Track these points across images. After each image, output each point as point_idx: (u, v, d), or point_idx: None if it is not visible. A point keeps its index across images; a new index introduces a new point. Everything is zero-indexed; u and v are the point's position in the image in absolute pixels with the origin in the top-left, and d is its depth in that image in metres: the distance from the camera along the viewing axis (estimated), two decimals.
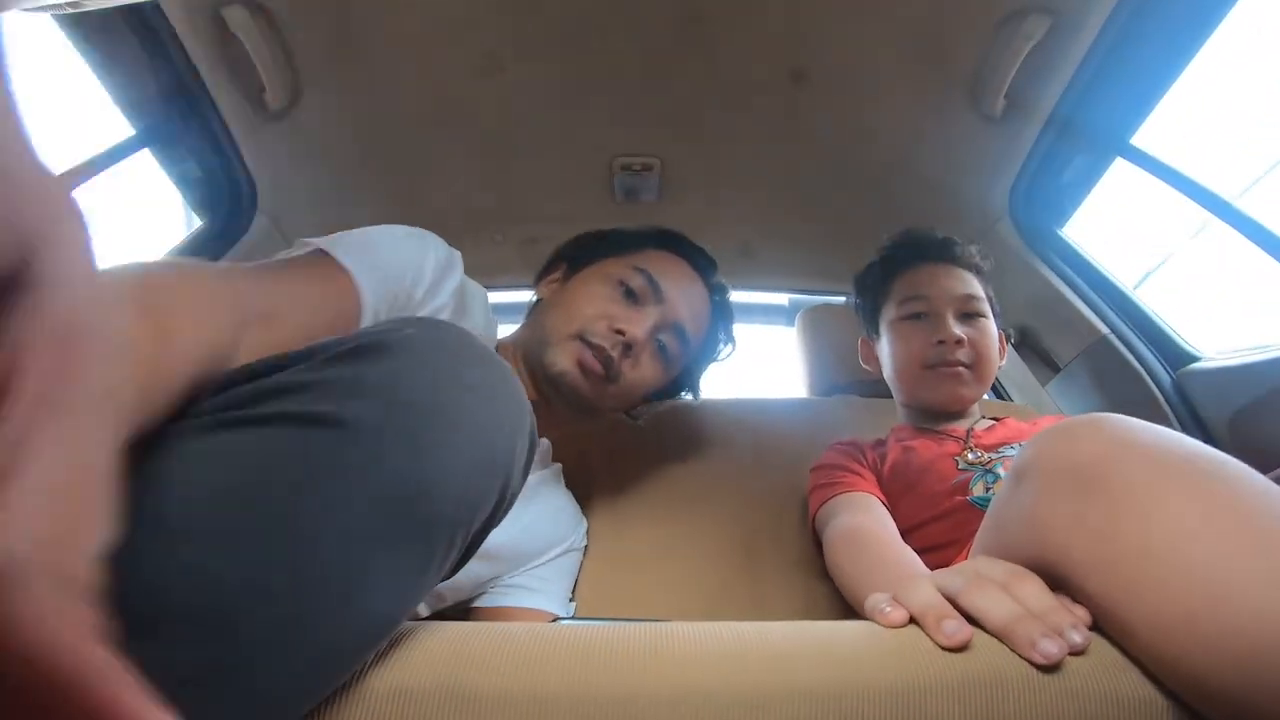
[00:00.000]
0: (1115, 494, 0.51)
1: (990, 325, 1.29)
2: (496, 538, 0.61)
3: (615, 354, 1.03)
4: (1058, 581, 0.56)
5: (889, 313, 1.33)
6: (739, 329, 1.31)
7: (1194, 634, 0.45)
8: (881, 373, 1.37)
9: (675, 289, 1.11)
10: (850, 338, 1.50)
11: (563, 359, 1.02)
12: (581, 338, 1.03)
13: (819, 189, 1.74)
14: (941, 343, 1.24)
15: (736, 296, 1.32)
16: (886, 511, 1.10)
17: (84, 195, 1.22)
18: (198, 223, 1.61)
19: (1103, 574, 0.51)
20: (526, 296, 1.43)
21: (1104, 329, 1.42)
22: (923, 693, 0.48)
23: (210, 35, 1.29)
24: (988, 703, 0.48)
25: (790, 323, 1.89)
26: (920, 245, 1.37)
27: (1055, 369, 1.59)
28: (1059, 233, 1.58)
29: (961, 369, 1.24)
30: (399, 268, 0.85)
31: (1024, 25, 1.27)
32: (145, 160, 1.44)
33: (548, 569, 1.10)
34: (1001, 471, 1.09)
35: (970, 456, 1.15)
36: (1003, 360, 1.35)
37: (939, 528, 1.07)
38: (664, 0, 1.30)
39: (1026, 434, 1.21)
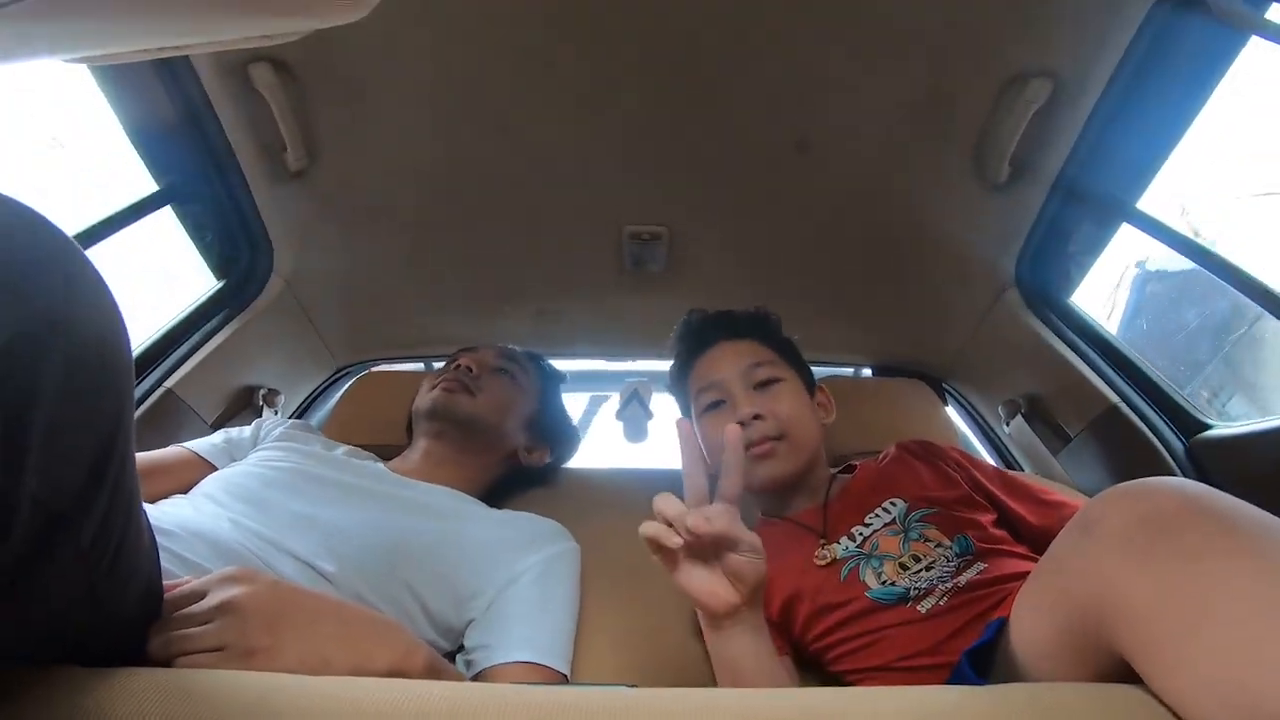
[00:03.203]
0: (1186, 551, 0.54)
1: (787, 387, 1.27)
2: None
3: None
4: (1109, 628, 0.57)
5: (695, 409, 1.32)
6: None
7: (1235, 703, 0.46)
8: None
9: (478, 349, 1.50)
10: (853, 409, 1.49)
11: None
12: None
13: (824, 259, 1.76)
14: (741, 424, 1.16)
15: None
16: None
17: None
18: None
19: (1160, 624, 0.53)
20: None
21: (1114, 398, 1.41)
22: None
23: (237, 93, 1.33)
24: None
25: None
26: (697, 333, 1.38)
27: (1066, 438, 1.57)
28: (1067, 301, 1.58)
29: (770, 443, 1.20)
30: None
31: (1026, 90, 1.30)
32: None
33: (495, 615, 1.05)
34: (880, 553, 1.06)
35: (839, 551, 1.09)
36: (829, 417, 1.35)
37: (847, 634, 1.01)
38: (671, 69, 1.33)
39: (883, 484, 1.18)
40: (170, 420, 1.43)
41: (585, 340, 2.07)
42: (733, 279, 1.81)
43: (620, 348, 2.12)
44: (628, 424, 1.91)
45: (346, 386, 1.88)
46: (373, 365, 2.08)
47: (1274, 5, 1.01)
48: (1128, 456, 1.37)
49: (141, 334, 1.45)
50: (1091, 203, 1.44)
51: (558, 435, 1.53)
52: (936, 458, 1.24)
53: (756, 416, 1.21)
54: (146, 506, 0.70)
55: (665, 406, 1.97)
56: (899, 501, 1.14)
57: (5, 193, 0.49)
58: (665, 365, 2.13)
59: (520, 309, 1.91)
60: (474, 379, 1.39)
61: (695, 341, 1.38)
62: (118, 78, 1.31)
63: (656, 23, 1.26)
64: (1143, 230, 1.33)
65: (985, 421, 1.91)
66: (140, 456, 1.13)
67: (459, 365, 1.42)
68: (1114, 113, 1.30)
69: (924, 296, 1.82)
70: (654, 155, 1.51)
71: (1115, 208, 1.40)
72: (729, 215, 1.67)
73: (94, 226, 1.27)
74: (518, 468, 1.44)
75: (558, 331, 1.98)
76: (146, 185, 1.42)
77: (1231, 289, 1.16)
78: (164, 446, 1.25)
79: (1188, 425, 1.30)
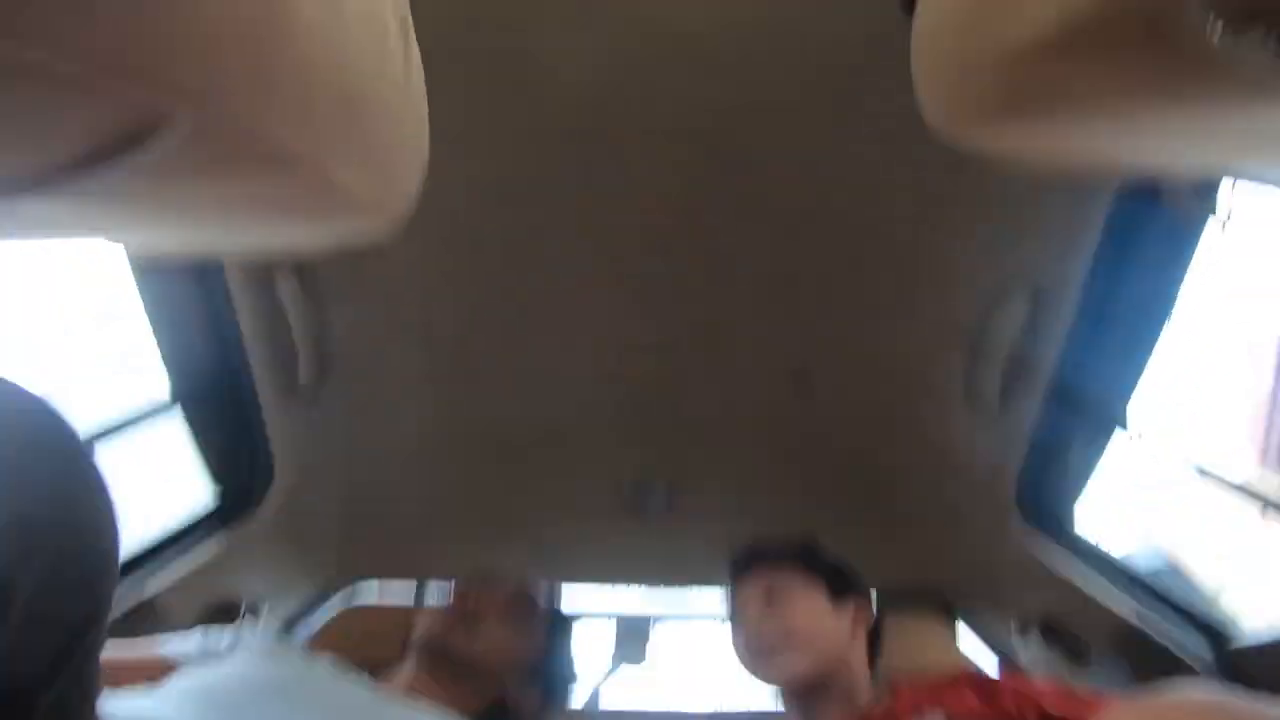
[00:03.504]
0: None
1: (801, 595, 1.33)
2: None
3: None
4: None
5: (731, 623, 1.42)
6: None
7: None
8: None
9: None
10: None
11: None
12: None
13: (826, 493, 1.77)
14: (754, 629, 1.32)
15: None
16: None
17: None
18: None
19: None
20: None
21: (1128, 613, 1.36)
22: None
23: (260, 305, 1.37)
24: None
25: None
26: (742, 561, 1.46)
27: (1085, 657, 1.49)
28: (1070, 517, 1.57)
29: (775, 643, 1.28)
30: None
31: (1009, 304, 1.34)
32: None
33: None
34: None
35: None
36: (860, 628, 1.36)
37: None
38: (670, 300, 1.41)
39: (927, 697, 1.18)
40: (148, 629, 1.37)
41: (586, 573, 2.04)
42: (735, 517, 1.80)
43: (623, 579, 2.08)
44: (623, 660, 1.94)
45: (330, 618, 1.83)
46: (364, 582, 2.02)
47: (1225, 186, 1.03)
48: (1155, 674, 1.30)
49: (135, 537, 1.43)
50: (1084, 412, 1.46)
51: (551, 687, 1.47)
52: (985, 681, 1.23)
53: (765, 620, 1.30)
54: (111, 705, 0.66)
55: (663, 640, 1.95)
56: (940, 713, 1.13)
57: (17, 383, 0.50)
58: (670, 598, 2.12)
59: (519, 539, 1.89)
60: (476, 621, 1.34)
61: (736, 569, 1.45)
62: (151, 273, 1.34)
63: (657, 248, 1.35)
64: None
65: (1000, 644, 1.82)
66: (110, 654, 1.07)
67: (465, 605, 1.37)
68: (1094, 315, 1.32)
69: (926, 524, 1.81)
70: (656, 408, 1.59)
71: (1107, 414, 1.42)
72: (730, 459, 1.72)
73: (104, 428, 1.28)
74: (505, 708, 1.37)
75: (556, 563, 1.95)
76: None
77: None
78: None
79: (1214, 636, 1.25)
